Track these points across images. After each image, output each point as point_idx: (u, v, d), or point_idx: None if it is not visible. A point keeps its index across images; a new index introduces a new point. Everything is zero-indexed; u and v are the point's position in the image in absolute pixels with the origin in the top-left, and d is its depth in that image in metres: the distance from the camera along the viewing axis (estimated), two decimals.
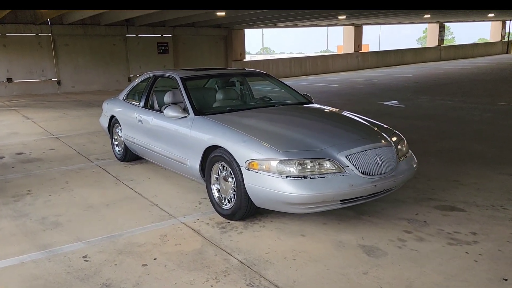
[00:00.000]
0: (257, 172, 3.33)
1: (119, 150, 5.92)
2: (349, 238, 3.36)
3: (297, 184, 3.15)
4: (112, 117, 5.91)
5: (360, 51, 25.33)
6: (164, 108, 4.30)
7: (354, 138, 3.58)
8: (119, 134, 5.83)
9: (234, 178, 3.57)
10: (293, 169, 3.21)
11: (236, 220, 3.71)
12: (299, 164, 3.23)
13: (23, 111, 11.34)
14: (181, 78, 4.65)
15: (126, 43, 18.48)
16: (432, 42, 29.33)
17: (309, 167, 3.24)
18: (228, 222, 3.72)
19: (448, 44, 29.86)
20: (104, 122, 6.18)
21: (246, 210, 3.56)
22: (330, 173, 3.24)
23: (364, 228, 3.54)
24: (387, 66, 26.36)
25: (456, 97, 11.57)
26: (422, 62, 28.18)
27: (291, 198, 3.17)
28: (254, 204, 3.51)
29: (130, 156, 5.72)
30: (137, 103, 5.29)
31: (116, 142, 6.00)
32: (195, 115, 4.16)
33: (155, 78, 5.19)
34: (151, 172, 5.31)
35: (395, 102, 11.33)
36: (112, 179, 5.07)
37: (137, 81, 5.67)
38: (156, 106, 5.19)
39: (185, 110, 4.26)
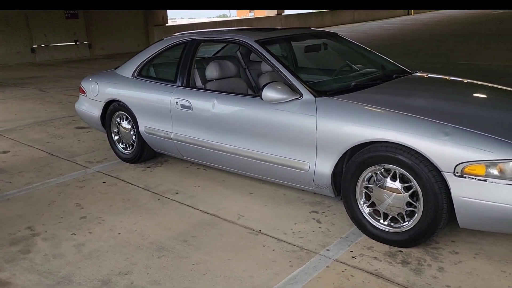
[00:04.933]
0: (483, 180, 2.20)
1: (124, 148, 4.27)
2: None
3: None
4: (111, 102, 4.20)
5: (283, 14, 24.43)
6: (262, 88, 2.86)
7: None
8: (125, 126, 4.16)
9: (418, 189, 2.40)
10: None
11: (412, 247, 2.57)
12: None
13: None
14: (259, 42, 3.21)
15: None
16: None
17: None
18: (401, 251, 2.56)
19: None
20: (92, 110, 4.41)
21: (435, 232, 2.44)
22: None
23: None
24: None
25: (422, 58, 11.28)
26: (339, 24, 28.26)
27: None
28: (443, 223, 2.39)
29: (147, 155, 4.14)
30: (169, 81, 3.70)
31: (117, 137, 4.32)
32: (315, 96, 2.82)
33: (196, 44, 3.62)
34: (191, 177, 3.83)
35: None
36: (147, 195, 3.51)
37: (154, 49, 3.98)
38: (199, 84, 3.67)
39: (292, 89, 2.88)
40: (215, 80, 3.69)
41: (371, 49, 4.01)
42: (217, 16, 78.55)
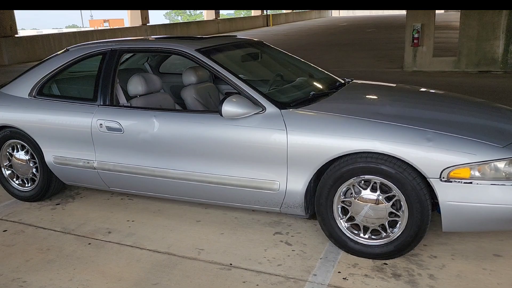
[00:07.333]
0: (469, 182, 2.23)
1: (21, 184, 3.46)
2: None
3: None
4: (0, 129, 3.37)
5: (148, 24, 23.57)
6: (221, 103, 2.50)
7: None
8: (20, 157, 3.38)
9: (402, 198, 2.34)
10: None
11: (394, 259, 2.50)
12: None
13: None
14: (201, 52, 2.84)
15: None
16: (210, 15, 29.87)
17: None
18: (386, 264, 2.47)
19: (224, 18, 30.94)
20: None
21: (421, 239, 2.42)
22: None
23: None
24: None
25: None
26: (204, 34, 28.46)
27: None
28: (425, 229, 2.38)
29: (54, 189, 3.42)
30: (86, 100, 3.07)
31: (9, 172, 3.48)
32: (280, 108, 2.58)
33: (118, 54, 3.08)
34: (118, 210, 3.25)
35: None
36: (71, 239, 2.86)
37: (58, 62, 3.27)
38: (123, 101, 3.14)
39: (253, 103, 2.59)
40: (140, 96, 3.21)
41: (297, 57, 3.93)
42: (66, 27, 72.44)
